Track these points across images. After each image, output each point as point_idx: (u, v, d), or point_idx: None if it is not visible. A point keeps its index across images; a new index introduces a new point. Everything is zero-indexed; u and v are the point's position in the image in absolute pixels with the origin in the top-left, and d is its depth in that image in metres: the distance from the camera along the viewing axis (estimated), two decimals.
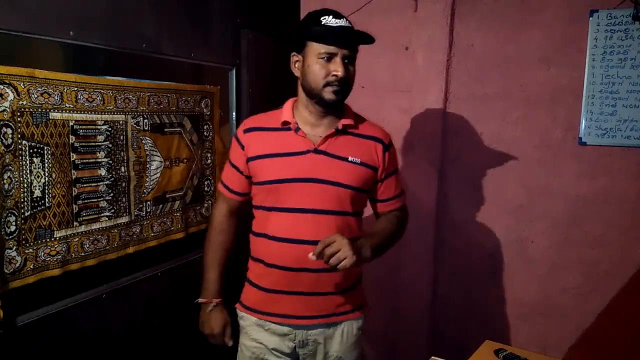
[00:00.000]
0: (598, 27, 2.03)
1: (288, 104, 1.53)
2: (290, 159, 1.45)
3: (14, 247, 1.43)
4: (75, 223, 1.60)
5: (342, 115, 1.51)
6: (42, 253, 1.50)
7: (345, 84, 1.41)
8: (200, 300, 1.59)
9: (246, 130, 1.51)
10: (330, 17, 1.40)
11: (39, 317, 1.49)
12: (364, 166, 1.49)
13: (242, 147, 1.50)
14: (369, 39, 1.42)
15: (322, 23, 1.39)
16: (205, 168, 2.16)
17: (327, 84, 1.40)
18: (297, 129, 1.46)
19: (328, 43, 1.38)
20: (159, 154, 1.91)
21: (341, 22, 1.40)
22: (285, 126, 1.48)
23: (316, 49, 1.39)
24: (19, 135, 1.41)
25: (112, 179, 1.71)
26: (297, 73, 1.47)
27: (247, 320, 1.57)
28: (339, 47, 1.38)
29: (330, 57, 1.39)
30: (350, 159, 1.47)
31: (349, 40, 1.40)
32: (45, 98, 1.48)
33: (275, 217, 1.47)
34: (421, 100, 2.35)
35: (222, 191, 1.60)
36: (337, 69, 1.38)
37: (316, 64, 1.40)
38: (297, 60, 1.46)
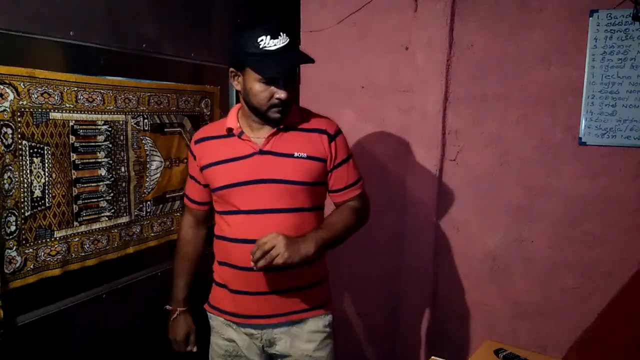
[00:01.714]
0: (598, 27, 2.03)
1: (233, 111, 1.55)
2: (237, 163, 1.47)
3: (14, 247, 1.43)
4: (75, 223, 1.60)
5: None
6: (42, 253, 1.50)
7: (288, 104, 1.41)
8: (167, 307, 1.69)
9: (197, 141, 1.56)
10: (268, 37, 1.33)
11: (39, 317, 1.49)
12: (312, 159, 1.48)
13: (195, 158, 1.56)
14: (307, 60, 1.38)
15: (260, 47, 1.33)
16: None
17: (271, 106, 1.40)
18: (241, 134, 1.48)
19: (267, 71, 1.34)
20: (159, 154, 1.91)
21: (279, 43, 1.33)
22: (230, 132, 1.50)
23: (256, 74, 1.36)
24: (19, 135, 1.41)
25: (112, 179, 1.71)
26: (237, 87, 1.46)
27: (215, 320, 1.62)
28: (279, 74, 1.36)
29: (270, 81, 1.37)
30: (296, 154, 1.46)
31: (288, 65, 1.37)
32: (45, 98, 1.48)
33: (231, 220, 1.50)
34: (421, 100, 2.35)
35: (186, 203, 1.67)
36: (279, 93, 1.37)
37: (257, 87, 1.38)
38: (235, 76, 1.44)
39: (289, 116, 1.48)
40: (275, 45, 1.33)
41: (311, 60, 1.39)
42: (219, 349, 1.61)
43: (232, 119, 1.52)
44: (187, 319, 1.68)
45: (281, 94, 1.37)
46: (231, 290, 1.53)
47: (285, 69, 1.37)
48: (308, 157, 1.47)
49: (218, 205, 1.56)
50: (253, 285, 1.48)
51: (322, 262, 1.61)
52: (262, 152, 1.46)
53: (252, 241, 1.37)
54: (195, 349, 1.67)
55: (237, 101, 2.25)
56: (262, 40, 1.33)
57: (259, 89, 1.38)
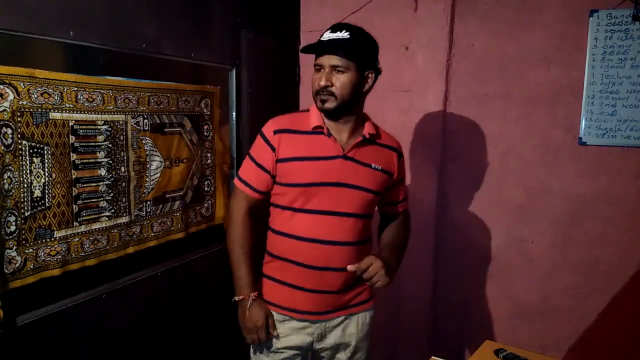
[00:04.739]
0: (598, 27, 2.03)
1: (315, 109, 1.56)
2: (321, 163, 1.51)
3: (14, 247, 1.43)
4: (75, 223, 1.60)
5: (362, 123, 1.59)
6: (42, 253, 1.50)
7: (330, 93, 1.47)
8: (237, 298, 1.56)
9: (276, 132, 1.53)
10: (329, 31, 1.48)
11: (39, 317, 1.49)
12: (384, 172, 1.58)
13: (272, 148, 1.52)
14: (348, 50, 1.44)
15: (320, 38, 1.48)
16: (205, 168, 2.16)
17: (317, 93, 1.49)
18: (330, 134, 1.52)
19: (316, 55, 1.49)
20: (159, 154, 1.91)
21: (334, 35, 1.46)
22: (317, 130, 1.53)
23: (314, 61, 1.50)
24: (19, 135, 1.41)
25: (112, 179, 1.71)
26: None
27: None
28: (323, 59, 1.47)
29: (320, 69, 1.48)
30: (373, 165, 1.56)
31: (330, 51, 1.45)
32: (45, 98, 1.48)
33: (303, 218, 1.52)
34: (421, 100, 2.35)
35: (242, 189, 1.58)
36: (319, 78, 1.47)
37: (313, 75, 1.51)
38: None
39: (367, 123, 1.58)
40: (329, 36, 1.47)
41: (359, 49, 1.45)
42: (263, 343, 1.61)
43: (318, 117, 1.54)
44: (262, 304, 1.58)
45: (321, 80, 1.46)
46: (292, 285, 1.56)
47: (325, 51, 1.45)
48: (382, 170, 1.57)
49: (286, 200, 1.54)
50: (316, 283, 1.53)
51: None
52: (345, 157, 1.52)
53: (323, 241, 1.50)
54: (276, 333, 1.58)
55: (238, 103, 2.27)
56: (324, 33, 1.49)
57: (313, 77, 1.50)
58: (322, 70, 1.47)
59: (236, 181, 1.61)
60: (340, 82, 1.46)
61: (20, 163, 1.42)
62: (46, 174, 1.49)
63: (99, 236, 1.68)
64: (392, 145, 1.64)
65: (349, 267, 1.45)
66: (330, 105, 1.48)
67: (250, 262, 1.57)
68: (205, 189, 2.17)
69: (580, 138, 2.10)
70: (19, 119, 1.41)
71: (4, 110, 1.37)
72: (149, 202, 1.88)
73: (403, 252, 1.69)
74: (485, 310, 2.37)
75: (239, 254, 1.55)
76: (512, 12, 2.18)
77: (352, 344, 1.62)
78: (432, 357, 1.66)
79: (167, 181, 1.96)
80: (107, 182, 1.70)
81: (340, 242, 1.51)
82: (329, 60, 1.45)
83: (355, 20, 2.52)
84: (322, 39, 1.48)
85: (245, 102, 2.27)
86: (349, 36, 1.45)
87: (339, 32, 1.46)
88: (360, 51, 1.47)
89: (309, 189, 1.50)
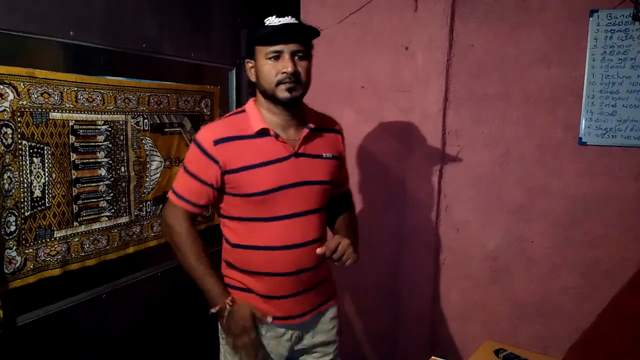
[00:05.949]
0: (598, 27, 2.03)
1: (253, 109, 1.48)
2: (275, 166, 1.42)
3: (14, 247, 1.43)
4: (75, 223, 1.60)
5: (304, 113, 1.51)
6: (42, 253, 1.50)
7: (298, 80, 1.38)
8: (214, 310, 1.46)
9: (217, 142, 1.40)
10: (274, 17, 1.38)
11: (39, 317, 1.49)
12: (334, 159, 1.55)
13: (215, 161, 1.39)
14: (312, 32, 1.40)
15: (266, 24, 1.37)
16: None
17: (279, 83, 1.38)
18: (277, 135, 1.43)
19: (272, 43, 1.36)
20: (159, 154, 1.91)
21: (284, 20, 1.37)
22: (262, 133, 1.43)
23: (263, 50, 1.38)
24: (19, 135, 1.41)
25: (112, 179, 1.71)
26: (252, 78, 1.46)
27: None
28: (284, 44, 1.36)
29: (278, 56, 1.37)
30: (324, 155, 1.51)
31: (292, 35, 1.37)
32: (45, 98, 1.48)
33: (267, 227, 1.44)
34: (421, 100, 2.35)
35: (182, 205, 1.45)
36: (285, 65, 1.36)
37: (266, 65, 1.38)
38: (251, 67, 1.45)
39: (307, 112, 1.52)
40: (279, 21, 1.37)
41: (315, 32, 1.40)
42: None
43: (258, 118, 1.44)
44: (243, 303, 1.47)
45: (287, 67, 1.36)
46: (265, 296, 1.48)
47: (285, 35, 1.36)
48: (332, 157, 1.54)
49: (243, 211, 1.45)
50: (293, 287, 1.49)
51: None
52: (297, 154, 1.45)
53: (296, 245, 1.45)
54: (270, 319, 1.48)
55: (238, 103, 2.27)
56: (267, 20, 1.38)
57: (266, 66, 1.38)
58: (280, 57, 1.37)
59: (172, 197, 1.47)
60: (305, 68, 1.40)
61: (20, 163, 1.42)
62: (46, 174, 1.49)
63: (99, 236, 1.68)
64: (334, 128, 1.60)
65: (318, 250, 1.39)
66: (297, 93, 1.39)
67: (213, 270, 1.46)
68: None
69: (580, 138, 2.10)
70: (19, 119, 1.41)
71: (4, 110, 1.37)
72: (149, 202, 1.88)
73: (357, 232, 1.66)
74: (485, 310, 2.37)
75: (198, 268, 1.44)
76: (512, 12, 2.18)
77: (323, 339, 1.61)
78: (432, 357, 1.66)
79: (167, 181, 1.96)
80: (107, 182, 1.70)
81: (312, 241, 1.47)
82: (290, 46, 1.37)
83: (356, 20, 2.53)
84: (273, 24, 1.36)
85: (245, 102, 2.27)
86: (297, 21, 1.39)
87: (286, 18, 1.38)
88: (312, 36, 1.42)
89: (268, 195, 1.41)
